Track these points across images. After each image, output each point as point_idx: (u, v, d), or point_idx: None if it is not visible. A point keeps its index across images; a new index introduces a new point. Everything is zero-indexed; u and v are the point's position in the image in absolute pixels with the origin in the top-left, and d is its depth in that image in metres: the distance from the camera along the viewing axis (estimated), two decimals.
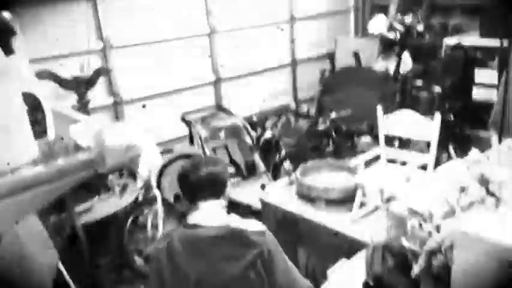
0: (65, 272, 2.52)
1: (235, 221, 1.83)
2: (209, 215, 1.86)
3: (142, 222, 4.01)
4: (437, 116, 2.95)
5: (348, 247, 2.92)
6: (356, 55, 5.72)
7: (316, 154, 4.73)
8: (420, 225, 2.02)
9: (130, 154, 2.30)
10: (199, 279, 1.72)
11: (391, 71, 5.19)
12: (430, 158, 2.97)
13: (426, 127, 3.02)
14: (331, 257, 3.08)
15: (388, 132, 3.25)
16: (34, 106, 2.23)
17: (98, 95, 4.63)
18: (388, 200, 3.07)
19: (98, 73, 4.07)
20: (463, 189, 2.00)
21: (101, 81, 4.67)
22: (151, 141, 2.90)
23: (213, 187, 1.91)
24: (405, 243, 2.07)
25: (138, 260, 3.75)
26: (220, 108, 4.82)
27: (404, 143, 4.15)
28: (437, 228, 1.94)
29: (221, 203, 1.94)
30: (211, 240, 1.72)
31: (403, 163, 3.35)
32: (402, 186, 2.73)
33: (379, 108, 3.20)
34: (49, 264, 2.05)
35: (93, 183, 3.47)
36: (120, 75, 4.81)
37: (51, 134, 2.36)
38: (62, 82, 3.91)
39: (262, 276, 1.72)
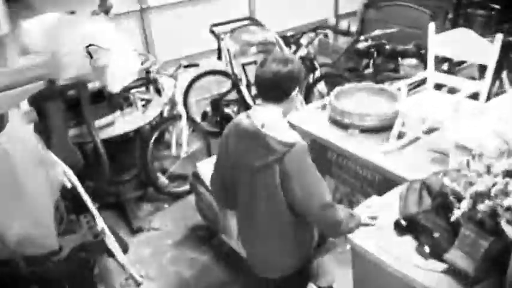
0: (81, 190, 2.40)
1: (272, 127, 1.81)
2: (258, 112, 1.88)
3: (167, 140, 3.90)
4: (499, 36, 2.52)
5: (381, 181, 2.71)
6: None
7: (355, 76, 4.35)
8: (468, 163, 1.74)
9: (94, 62, 1.80)
10: (236, 160, 1.93)
11: None
12: (484, 85, 2.59)
13: (484, 49, 2.60)
14: (361, 191, 2.90)
15: (439, 52, 2.85)
16: None
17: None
18: (431, 130, 2.79)
19: None
20: None
21: None
22: (126, 44, 2.35)
23: (274, 89, 1.83)
24: (447, 182, 1.82)
25: (162, 178, 3.69)
26: (252, 20, 4.41)
27: (452, 68, 3.70)
28: (488, 169, 1.66)
29: (276, 108, 1.86)
30: (248, 134, 1.85)
31: (451, 90, 2.98)
32: (450, 116, 2.41)
33: (431, 25, 2.77)
34: (46, 184, 1.90)
35: (115, 98, 3.31)
36: None
37: None
38: None
39: (276, 179, 1.82)
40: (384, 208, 2.08)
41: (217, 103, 4.53)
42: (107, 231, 2.54)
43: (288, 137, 1.82)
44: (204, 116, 4.63)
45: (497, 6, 4.26)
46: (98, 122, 3.18)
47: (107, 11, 3.81)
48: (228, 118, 4.15)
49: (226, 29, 4.20)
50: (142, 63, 3.69)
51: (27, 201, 1.76)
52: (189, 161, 3.70)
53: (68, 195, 2.35)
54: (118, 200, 3.62)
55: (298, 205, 1.86)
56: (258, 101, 2.05)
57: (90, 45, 2.38)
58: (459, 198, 1.75)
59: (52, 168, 2.09)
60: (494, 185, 1.61)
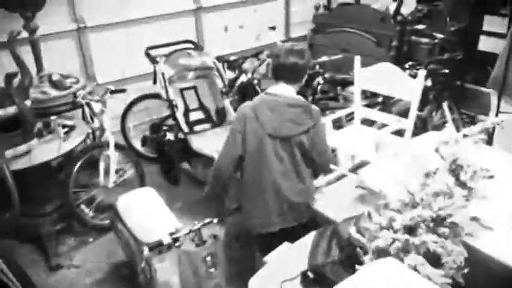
0: None
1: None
2: (285, 91, 2.41)
3: (93, 169, 3.66)
4: (421, 73, 2.45)
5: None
6: None
7: None
8: (369, 215, 1.62)
9: None
10: (272, 130, 2.37)
11: (392, 11, 4.56)
12: (408, 123, 2.52)
13: (407, 85, 2.53)
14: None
15: (365, 87, 2.78)
16: None
17: (56, 20, 4.12)
18: (358, 166, 2.68)
19: None
20: (428, 175, 1.57)
21: (62, 4, 4.15)
22: None
23: (294, 74, 2.41)
24: (353, 233, 1.69)
25: (86, 210, 3.45)
26: (191, 43, 4.27)
27: (387, 100, 3.66)
28: (390, 223, 1.54)
29: (295, 87, 2.45)
30: (287, 105, 2.37)
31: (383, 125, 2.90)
32: (370, 155, 2.31)
33: (357, 59, 2.69)
34: None
35: (31, 125, 3.08)
36: None
37: None
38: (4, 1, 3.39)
39: (309, 140, 2.40)
40: (296, 256, 1.93)
41: (157, 127, 4.33)
42: (8, 273, 2.30)
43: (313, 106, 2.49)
44: (144, 140, 4.42)
45: (440, 36, 4.28)
46: (10, 152, 2.93)
47: (33, 31, 3.60)
48: (169, 143, 3.96)
49: (163, 52, 4.04)
50: (67, 87, 3.49)
51: None
52: (121, 191, 3.47)
53: None
54: (37, 234, 3.35)
55: (319, 156, 2.45)
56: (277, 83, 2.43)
57: None
58: (365, 251, 1.63)
59: None
60: (394, 241, 1.49)
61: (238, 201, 2.63)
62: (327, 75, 4.09)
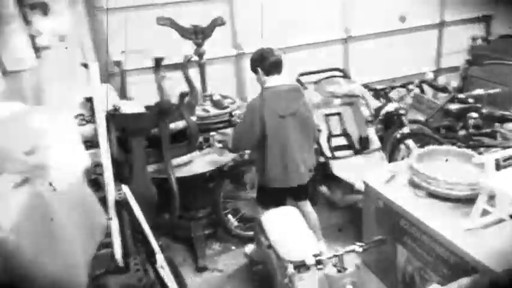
0: (145, 227, 2.51)
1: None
2: (280, 81, 3.10)
3: (244, 182, 3.94)
4: None
5: (458, 262, 2.43)
6: None
7: (447, 137, 4.06)
8: None
9: (32, 161, 1.67)
10: (283, 111, 3.05)
11: None
12: None
13: None
14: (434, 268, 2.64)
15: None
16: None
17: (220, 45, 4.58)
18: None
19: (214, 23, 3.94)
20: None
21: (226, 32, 4.60)
22: (73, 137, 2.26)
23: (280, 67, 3.11)
24: None
25: (231, 220, 3.72)
26: (340, 71, 4.36)
27: None
28: None
29: (281, 75, 3.13)
30: (287, 90, 3.10)
31: None
32: None
33: None
34: (83, 229, 1.94)
35: (195, 137, 3.45)
36: (243, 26, 4.65)
37: None
38: (180, 30, 3.88)
39: (307, 110, 3.22)
40: None
41: None
42: (166, 269, 2.60)
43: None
44: None
45: None
46: (176, 161, 3.33)
47: (201, 55, 4.04)
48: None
49: (313, 78, 4.21)
50: (225, 107, 3.83)
51: (61, 245, 1.80)
52: None
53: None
54: (189, 236, 3.71)
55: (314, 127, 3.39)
56: (270, 78, 3.09)
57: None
58: None
59: (95, 213, 2.16)
60: None
61: (262, 170, 3.19)
62: (484, 110, 3.82)
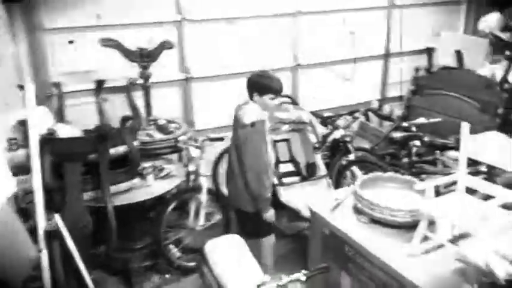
0: (78, 261, 2.33)
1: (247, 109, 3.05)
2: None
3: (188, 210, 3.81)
4: None
5: None
6: (459, 54, 4.91)
7: (391, 165, 4.13)
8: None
9: None
10: None
11: (498, 78, 4.34)
12: None
13: None
14: None
15: (471, 155, 2.62)
16: None
17: (169, 69, 4.50)
18: (457, 238, 2.49)
19: (161, 47, 3.87)
20: None
21: (174, 55, 4.53)
22: None
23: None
24: None
25: (173, 250, 3.56)
26: (288, 98, 4.39)
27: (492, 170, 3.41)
28: None
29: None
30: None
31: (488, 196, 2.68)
32: (478, 227, 2.13)
33: (465, 126, 2.57)
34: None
35: (136, 163, 3.31)
36: (192, 50, 4.60)
37: None
38: (126, 52, 3.78)
39: (239, 149, 2.99)
40: None
41: None
42: None
43: (250, 116, 3.01)
44: None
45: None
46: (115, 188, 3.16)
47: (146, 78, 3.94)
48: None
49: None
50: (170, 132, 3.72)
51: None
52: (207, 234, 3.56)
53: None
54: (126, 268, 3.51)
55: None
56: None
57: None
58: None
59: (22, 244, 2.02)
60: None
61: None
62: (426, 138, 3.93)
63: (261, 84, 3.01)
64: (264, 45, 4.93)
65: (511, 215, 2.36)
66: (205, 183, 3.62)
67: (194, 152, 3.65)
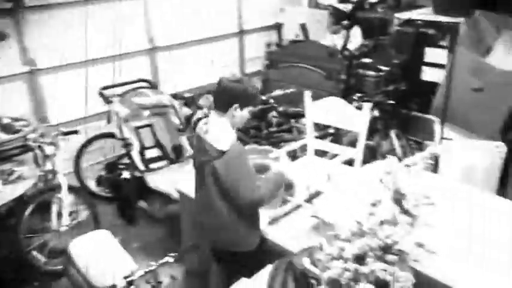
0: None
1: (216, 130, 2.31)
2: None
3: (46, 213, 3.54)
4: (367, 106, 2.58)
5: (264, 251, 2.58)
6: (303, 28, 5.27)
7: (255, 136, 4.33)
8: (321, 246, 1.66)
9: None
10: None
11: (339, 47, 4.78)
12: (357, 153, 2.62)
13: (354, 118, 2.65)
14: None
15: (315, 120, 2.88)
16: None
17: (6, 62, 4.05)
18: (313, 196, 2.74)
19: None
20: (374, 205, 1.64)
21: (13, 46, 4.08)
22: None
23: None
24: (307, 264, 1.72)
25: (37, 256, 3.30)
26: (145, 82, 4.29)
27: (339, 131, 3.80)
28: (340, 252, 1.59)
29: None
30: None
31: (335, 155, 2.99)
32: (323, 185, 2.37)
33: (307, 94, 2.81)
34: None
35: None
36: (33, 39, 4.19)
37: None
38: None
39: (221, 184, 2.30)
40: None
41: (112, 166, 4.28)
42: None
43: (224, 143, 2.30)
44: (100, 180, 4.33)
45: (385, 68, 4.51)
46: None
47: None
48: (124, 182, 3.91)
49: (117, 91, 4.03)
50: (16, 130, 3.40)
51: None
52: (75, 234, 3.36)
53: None
54: None
55: None
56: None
57: None
58: (319, 282, 1.65)
59: None
60: (344, 270, 1.52)
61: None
62: (280, 109, 4.19)
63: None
64: (117, 31, 4.69)
65: (354, 170, 2.67)
66: (64, 180, 3.39)
67: (48, 150, 3.38)
